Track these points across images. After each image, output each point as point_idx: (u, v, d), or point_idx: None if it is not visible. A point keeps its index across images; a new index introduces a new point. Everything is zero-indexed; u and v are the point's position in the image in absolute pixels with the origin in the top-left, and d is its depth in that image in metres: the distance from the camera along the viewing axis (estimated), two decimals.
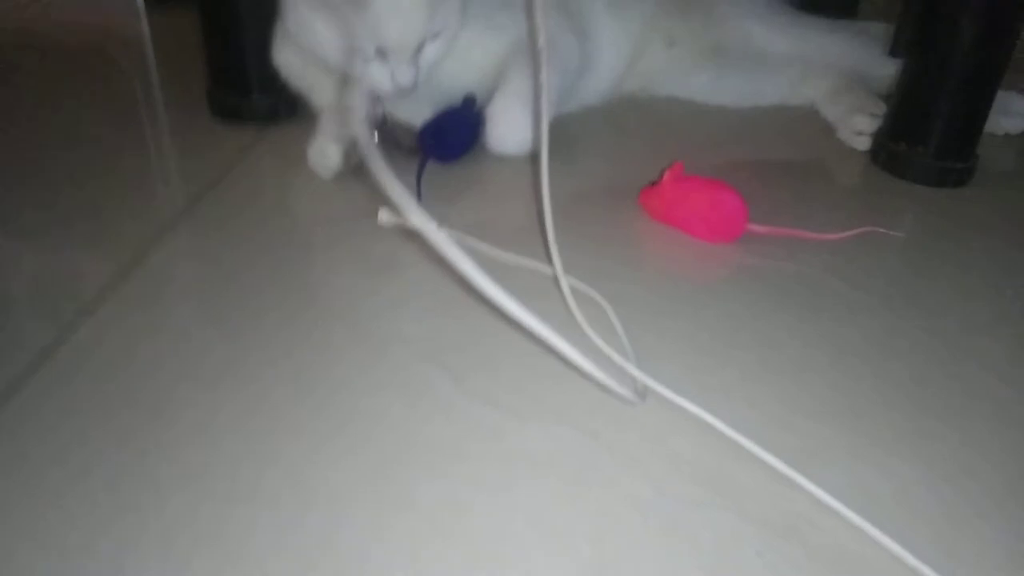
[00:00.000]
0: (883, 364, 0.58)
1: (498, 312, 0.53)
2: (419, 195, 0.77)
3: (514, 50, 0.88)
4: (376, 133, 0.87)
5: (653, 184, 0.76)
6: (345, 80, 0.84)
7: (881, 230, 0.74)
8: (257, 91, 0.93)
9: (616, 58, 1.02)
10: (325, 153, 0.80)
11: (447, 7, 0.78)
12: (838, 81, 0.99)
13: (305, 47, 0.82)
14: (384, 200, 0.73)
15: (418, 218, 0.48)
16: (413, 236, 0.71)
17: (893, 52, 0.87)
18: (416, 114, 0.86)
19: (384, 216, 0.72)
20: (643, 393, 0.52)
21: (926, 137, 0.85)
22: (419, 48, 0.78)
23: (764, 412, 0.52)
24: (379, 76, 0.78)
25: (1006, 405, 0.54)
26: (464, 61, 0.86)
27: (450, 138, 0.85)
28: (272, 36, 0.89)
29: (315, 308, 0.62)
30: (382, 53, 0.76)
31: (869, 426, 0.52)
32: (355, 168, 0.81)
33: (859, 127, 0.92)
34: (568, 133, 0.94)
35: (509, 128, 0.86)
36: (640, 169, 0.83)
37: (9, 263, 0.69)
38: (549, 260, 0.63)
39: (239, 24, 0.90)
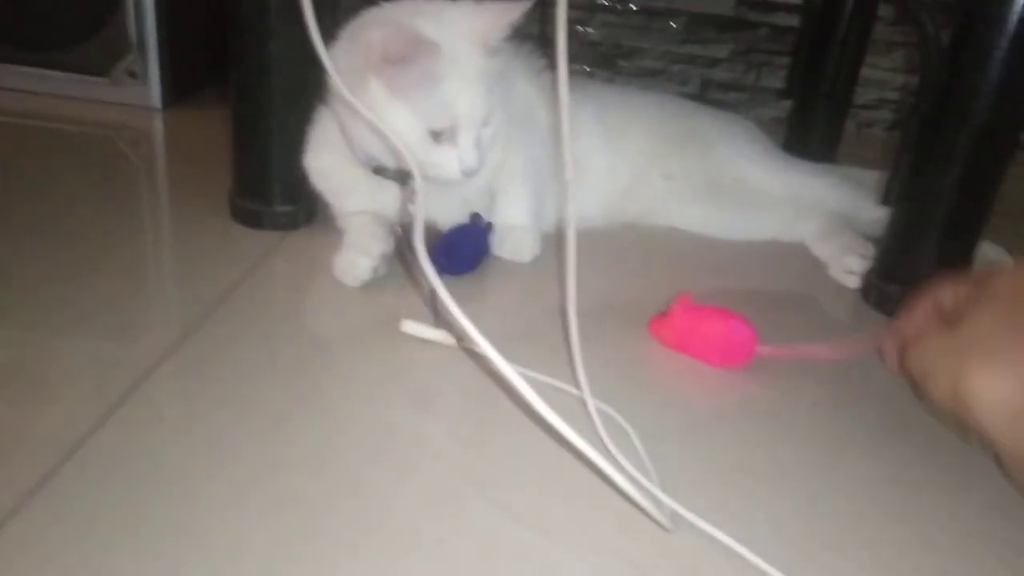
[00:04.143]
0: (896, 493, 0.60)
1: (523, 427, 0.55)
2: (436, 312, 0.79)
3: (515, 158, 0.95)
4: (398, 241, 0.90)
5: (662, 314, 0.80)
6: (377, 189, 0.89)
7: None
8: (279, 200, 0.96)
9: (608, 186, 1.07)
10: (356, 264, 0.83)
11: (496, 88, 0.85)
12: (828, 222, 1.05)
13: (363, 148, 0.86)
14: (406, 309, 0.76)
15: (477, 337, 0.51)
16: (433, 346, 0.73)
17: (885, 201, 0.94)
18: (446, 215, 0.93)
19: (408, 327, 0.74)
20: (674, 519, 0.54)
21: (916, 280, 0.90)
22: (482, 125, 0.84)
23: (788, 542, 0.54)
24: (446, 160, 0.83)
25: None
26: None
27: (461, 253, 0.89)
28: (303, 143, 0.93)
29: (338, 419, 0.63)
30: (451, 134, 0.82)
31: (889, 557, 0.53)
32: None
33: (851, 267, 0.98)
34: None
35: (518, 238, 0.94)
36: (642, 292, 0.87)
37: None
38: (575, 381, 0.65)
39: (269, 135, 0.93)
